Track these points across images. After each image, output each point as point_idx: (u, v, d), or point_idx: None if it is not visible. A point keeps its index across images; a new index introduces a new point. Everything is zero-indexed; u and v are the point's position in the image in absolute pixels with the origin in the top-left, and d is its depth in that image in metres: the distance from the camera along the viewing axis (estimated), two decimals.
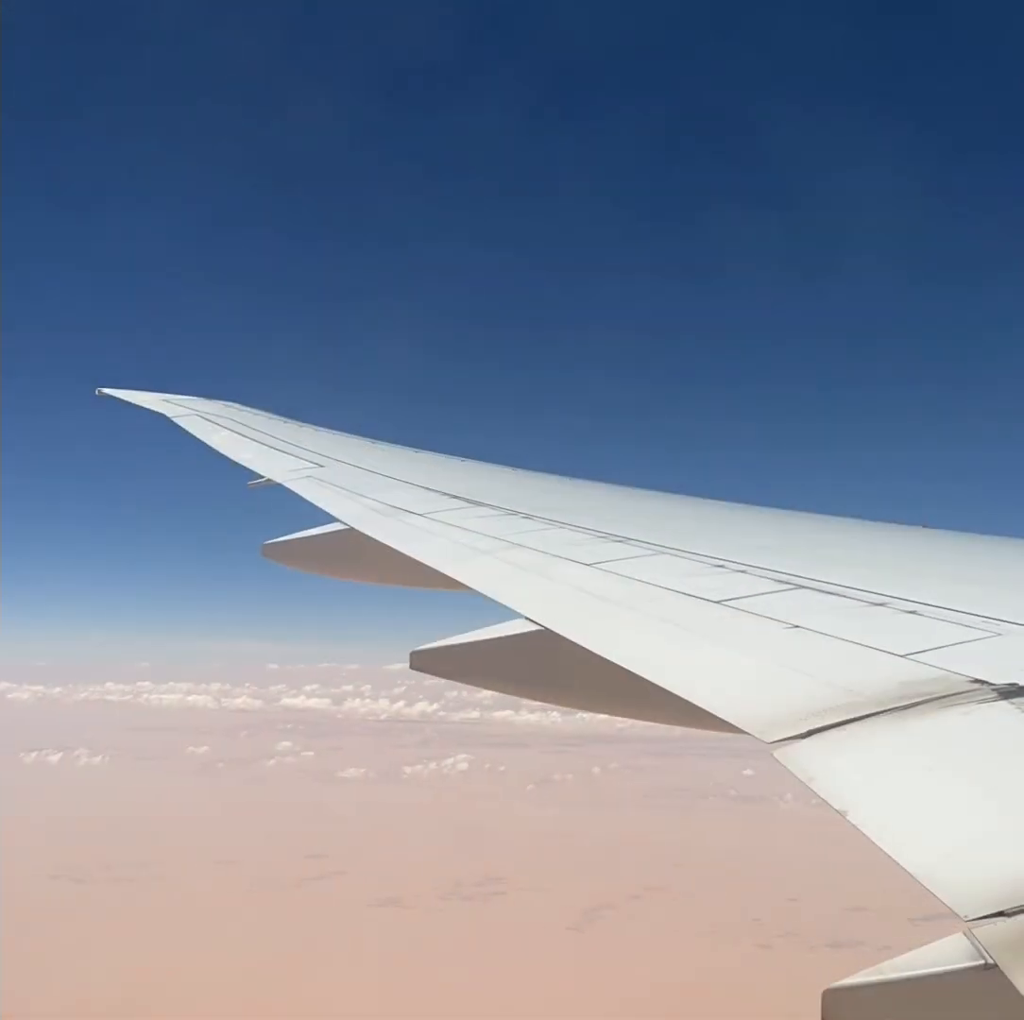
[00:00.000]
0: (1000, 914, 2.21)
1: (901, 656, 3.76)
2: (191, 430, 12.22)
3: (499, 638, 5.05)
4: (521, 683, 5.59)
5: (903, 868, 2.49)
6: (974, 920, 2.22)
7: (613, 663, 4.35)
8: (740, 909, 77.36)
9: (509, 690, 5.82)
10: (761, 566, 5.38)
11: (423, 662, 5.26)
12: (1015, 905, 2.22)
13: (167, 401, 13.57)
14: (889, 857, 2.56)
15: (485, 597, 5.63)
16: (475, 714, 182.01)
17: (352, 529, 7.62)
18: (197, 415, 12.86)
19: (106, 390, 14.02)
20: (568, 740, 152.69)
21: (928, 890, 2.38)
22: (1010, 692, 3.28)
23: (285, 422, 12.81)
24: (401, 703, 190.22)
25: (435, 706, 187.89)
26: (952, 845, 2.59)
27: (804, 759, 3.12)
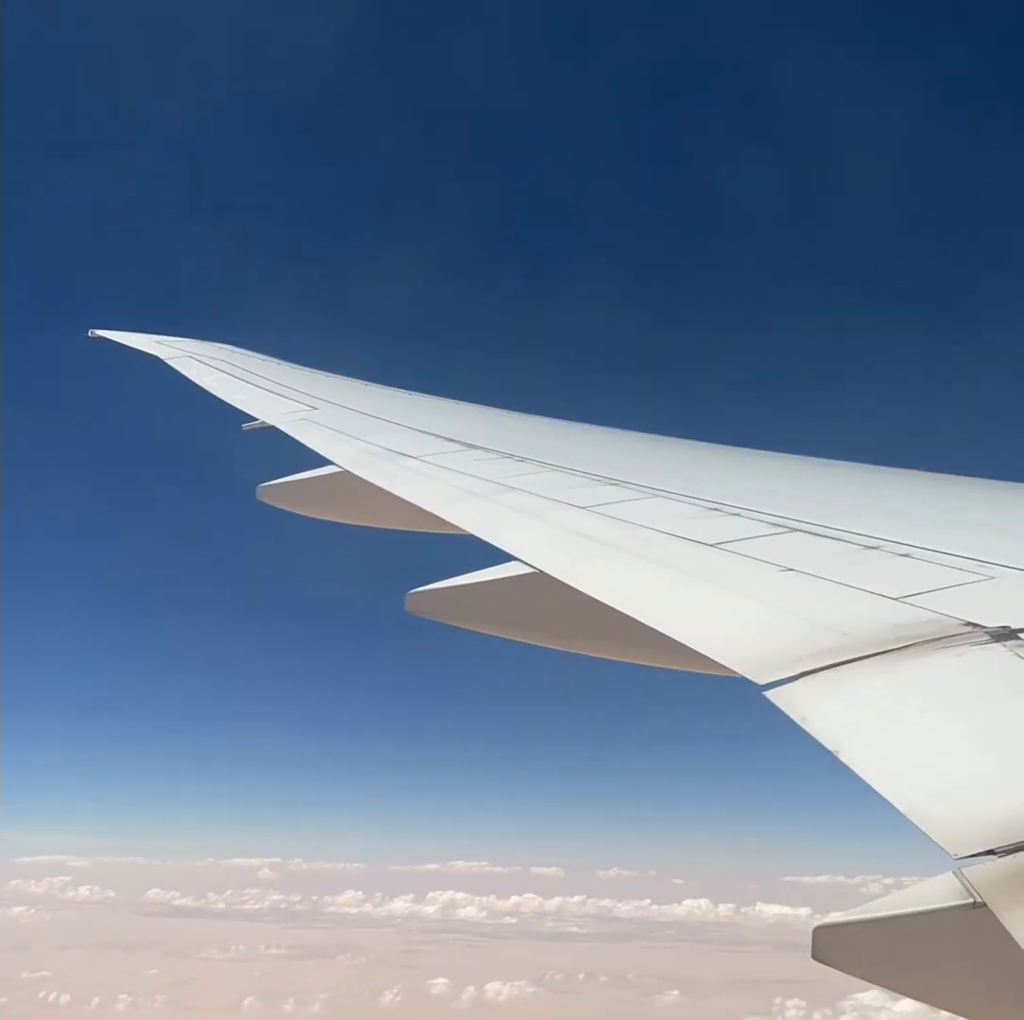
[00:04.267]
0: (991, 852, 2.24)
1: (894, 599, 3.78)
2: (184, 372, 12.13)
3: (495, 580, 5.06)
4: (516, 626, 5.61)
5: (894, 806, 2.52)
6: (964, 859, 2.25)
7: (608, 605, 4.37)
8: None
9: (504, 633, 5.85)
10: (756, 509, 5.38)
11: (420, 604, 5.28)
12: (1005, 844, 2.25)
13: (160, 342, 13.47)
14: (880, 795, 2.59)
15: (481, 540, 5.64)
16: None
17: (347, 472, 7.61)
18: (190, 357, 12.77)
19: (98, 331, 13.94)
20: None
21: (918, 828, 2.40)
22: (1002, 635, 3.29)
23: (279, 364, 12.73)
24: None
25: None
26: (943, 785, 2.62)
27: (797, 700, 3.15)
